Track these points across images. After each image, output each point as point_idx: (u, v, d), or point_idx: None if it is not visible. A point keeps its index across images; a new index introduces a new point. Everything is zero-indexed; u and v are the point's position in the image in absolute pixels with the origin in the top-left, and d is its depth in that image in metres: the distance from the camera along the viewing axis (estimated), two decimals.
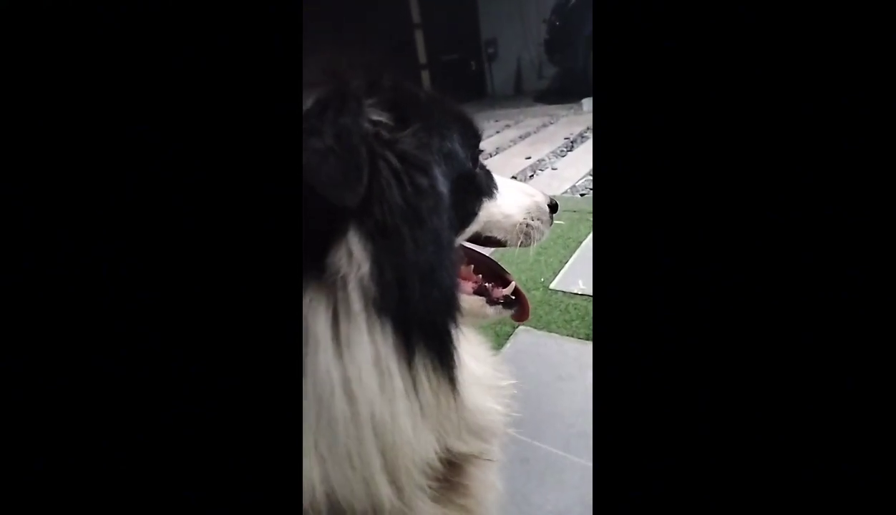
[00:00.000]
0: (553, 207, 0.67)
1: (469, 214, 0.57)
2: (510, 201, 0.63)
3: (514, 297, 0.64)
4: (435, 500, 0.47)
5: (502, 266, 0.67)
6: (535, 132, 4.16)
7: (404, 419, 0.42)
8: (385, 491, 0.42)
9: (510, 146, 3.84)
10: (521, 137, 4.06)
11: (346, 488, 0.41)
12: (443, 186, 0.47)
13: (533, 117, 4.75)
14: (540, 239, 0.65)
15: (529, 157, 3.42)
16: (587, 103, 4.52)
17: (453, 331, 0.46)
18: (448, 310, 0.46)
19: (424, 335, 0.43)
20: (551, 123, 4.37)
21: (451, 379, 0.45)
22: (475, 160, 0.58)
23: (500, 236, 0.62)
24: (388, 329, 0.41)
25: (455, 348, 0.45)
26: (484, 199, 0.59)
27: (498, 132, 4.38)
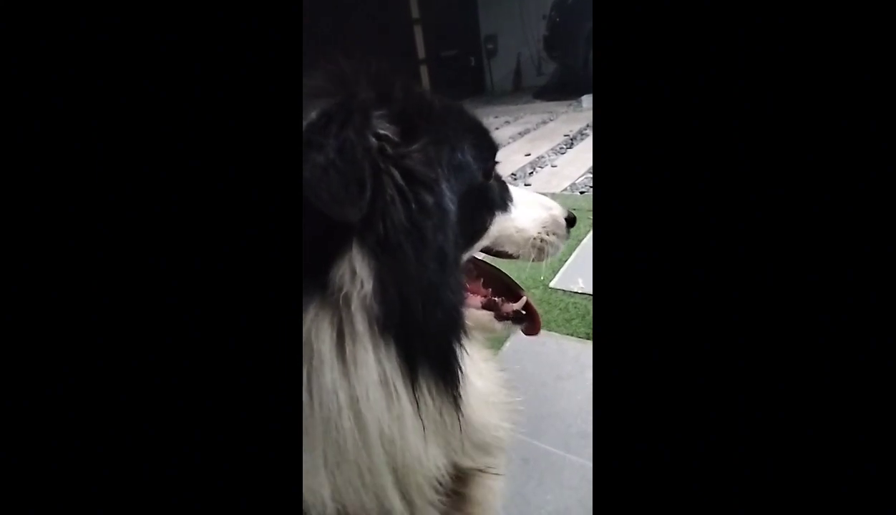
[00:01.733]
0: (570, 221, 0.65)
1: (479, 229, 0.55)
2: (525, 215, 0.61)
3: (524, 312, 0.63)
4: (444, 513, 0.47)
5: (512, 278, 0.65)
6: (534, 129, 4.15)
7: (412, 437, 0.42)
8: (398, 507, 0.42)
9: (510, 143, 3.83)
10: (521, 134, 4.05)
11: (357, 504, 0.41)
12: (450, 202, 0.46)
13: (532, 114, 4.74)
14: (554, 253, 0.63)
15: (529, 154, 3.42)
16: (587, 100, 4.51)
17: (458, 350, 0.45)
18: (453, 329, 0.45)
19: (429, 354, 0.43)
20: (551, 120, 4.36)
21: (456, 398, 0.45)
22: (489, 172, 0.56)
23: (511, 250, 0.61)
24: (393, 348, 0.41)
25: (460, 367, 0.45)
26: (497, 213, 0.57)
27: (497, 128, 4.36)
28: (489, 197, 0.57)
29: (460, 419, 0.45)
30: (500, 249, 0.60)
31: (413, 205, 0.42)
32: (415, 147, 0.45)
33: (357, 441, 0.40)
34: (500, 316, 0.60)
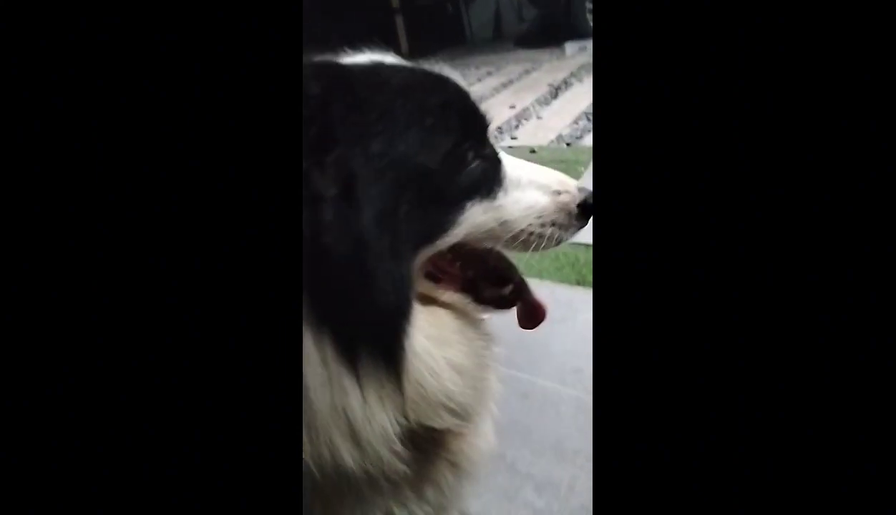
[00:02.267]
0: (585, 208, 0.54)
1: (435, 230, 0.48)
2: (517, 202, 0.52)
3: (512, 297, 0.59)
4: (413, 460, 0.49)
5: (511, 262, 0.59)
6: (517, 79, 4.08)
7: (356, 405, 0.45)
8: (349, 456, 0.46)
9: (493, 95, 3.77)
10: (504, 85, 3.98)
11: (315, 455, 0.45)
12: (365, 209, 0.44)
13: (515, 63, 4.63)
14: (552, 246, 0.54)
15: (514, 107, 3.38)
16: (570, 47, 4.41)
17: (400, 334, 0.45)
18: (391, 320, 0.45)
19: (366, 340, 0.44)
20: (534, 70, 4.28)
21: (398, 372, 0.46)
22: (463, 157, 0.49)
23: (489, 245, 0.53)
24: (329, 335, 0.44)
25: (402, 347, 0.45)
26: (469, 204, 0.49)
27: (479, 80, 4.27)
28: (455, 188, 0.49)
29: (403, 393, 0.46)
30: (476, 245, 0.53)
31: (311, 221, 0.42)
32: (327, 158, 0.43)
33: (307, 408, 0.44)
34: (480, 300, 0.55)
